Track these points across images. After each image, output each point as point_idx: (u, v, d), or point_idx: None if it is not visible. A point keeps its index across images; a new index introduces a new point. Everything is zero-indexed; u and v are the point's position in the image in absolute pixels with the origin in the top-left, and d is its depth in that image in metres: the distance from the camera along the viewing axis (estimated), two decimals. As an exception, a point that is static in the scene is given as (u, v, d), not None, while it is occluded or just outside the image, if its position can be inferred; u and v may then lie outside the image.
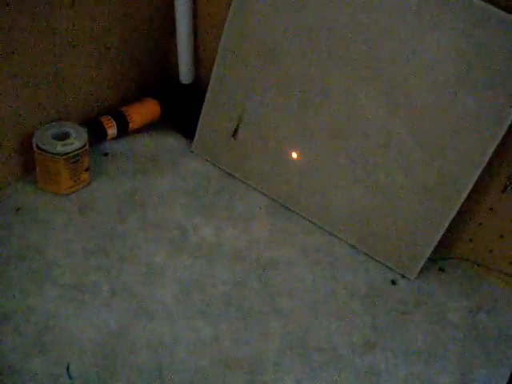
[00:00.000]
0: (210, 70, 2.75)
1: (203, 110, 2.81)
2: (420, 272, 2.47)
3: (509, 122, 2.14)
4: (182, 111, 3.06)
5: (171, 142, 2.98)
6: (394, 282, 2.45)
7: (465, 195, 2.29)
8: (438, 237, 2.39)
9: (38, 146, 2.49)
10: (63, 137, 2.55)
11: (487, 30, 2.08)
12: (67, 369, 1.98)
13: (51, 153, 2.48)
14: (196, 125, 2.86)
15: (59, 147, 2.48)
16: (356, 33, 2.32)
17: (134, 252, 2.40)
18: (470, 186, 2.28)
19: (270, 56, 2.54)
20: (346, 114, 2.43)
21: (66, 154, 2.48)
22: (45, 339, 2.05)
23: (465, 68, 2.15)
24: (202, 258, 2.42)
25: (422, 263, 2.45)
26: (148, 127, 3.01)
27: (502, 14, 2.06)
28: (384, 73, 2.30)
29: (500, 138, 2.17)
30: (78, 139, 2.53)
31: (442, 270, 2.54)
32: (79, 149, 2.52)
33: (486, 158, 2.21)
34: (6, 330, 2.06)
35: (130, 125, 2.91)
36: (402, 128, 2.32)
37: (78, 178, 2.58)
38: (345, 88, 2.40)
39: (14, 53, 2.35)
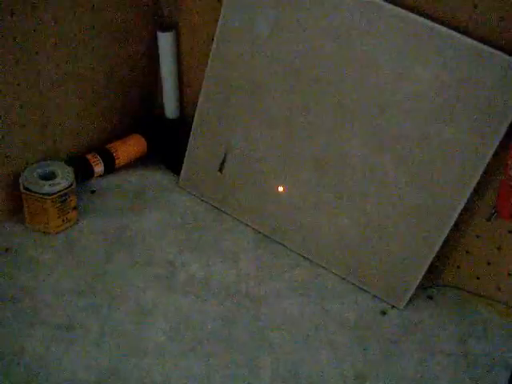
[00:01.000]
0: (196, 105, 2.76)
1: (189, 145, 2.82)
2: (409, 301, 2.48)
3: (492, 152, 2.16)
4: (168, 146, 3.08)
5: (158, 177, 2.99)
6: (383, 313, 2.46)
7: (451, 224, 2.31)
8: (426, 266, 2.40)
9: (24, 187, 2.50)
10: (50, 176, 2.56)
11: (470, 63, 2.11)
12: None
13: (38, 193, 2.49)
14: (183, 160, 2.87)
15: (46, 187, 2.50)
16: (339, 67, 2.34)
17: (124, 290, 2.40)
18: (456, 215, 2.29)
19: (254, 92, 2.56)
20: (330, 147, 2.45)
21: (53, 193, 2.49)
22: (35, 382, 2.04)
23: (448, 100, 2.18)
24: (191, 294, 2.42)
25: (410, 293, 2.45)
26: (135, 163, 3.03)
27: (485, 48, 2.09)
28: (368, 106, 2.32)
29: (483, 168, 2.19)
30: (64, 179, 2.55)
31: (430, 297, 2.55)
32: (66, 188, 2.53)
33: (471, 188, 2.23)
34: (-5, 374, 2.06)
35: (117, 161, 2.92)
36: (387, 160, 2.34)
37: (66, 217, 2.59)
38: (329, 122, 2.42)
39: (-1, 95, 2.38)
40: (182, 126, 3.03)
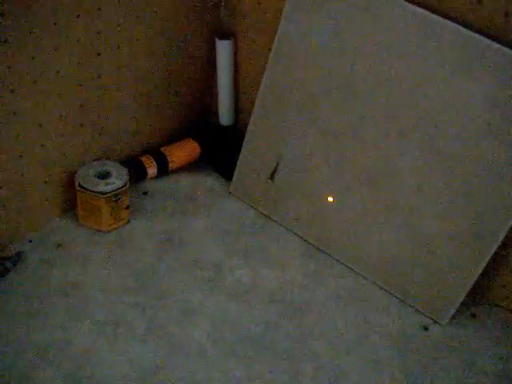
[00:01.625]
0: (250, 114, 2.79)
1: (241, 153, 2.85)
2: (452, 317, 2.47)
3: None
4: (221, 153, 3.11)
5: (210, 182, 3.02)
6: (425, 328, 2.45)
7: (499, 242, 2.30)
8: (471, 283, 2.39)
9: (80, 185, 2.56)
10: (105, 176, 2.62)
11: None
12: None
13: (93, 191, 2.54)
14: (234, 166, 2.91)
15: (101, 186, 2.55)
16: (393, 81, 2.36)
17: (170, 290, 2.44)
18: (504, 233, 2.28)
19: (308, 103, 2.58)
20: (382, 161, 2.46)
21: (108, 192, 2.55)
22: (81, 373, 2.10)
23: (501, 118, 2.17)
24: (236, 298, 2.45)
25: (454, 309, 2.44)
26: (188, 167, 3.07)
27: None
28: (420, 121, 2.33)
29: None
30: (119, 178, 2.60)
31: (473, 315, 2.53)
32: (120, 188, 2.58)
33: (520, 207, 2.24)
34: (43, 363, 2.11)
35: (170, 165, 2.97)
36: (437, 174, 2.34)
37: (118, 216, 2.64)
38: (382, 135, 2.43)
39: (59, 95, 2.44)
40: (236, 133, 3.08)
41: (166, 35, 2.77)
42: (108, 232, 2.64)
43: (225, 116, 3.09)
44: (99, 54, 2.52)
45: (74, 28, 2.37)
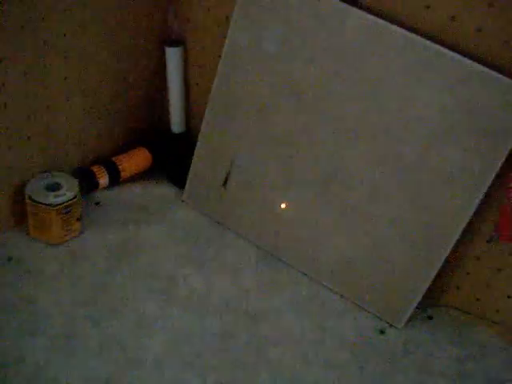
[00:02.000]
0: (201, 121, 2.78)
1: (193, 160, 2.84)
2: (408, 320, 2.48)
3: (493, 175, 2.17)
4: (173, 160, 3.09)
5: (162, 191, 3.00)
6: (382, 331, 2.45)
7: (451, 245, 2.31)
8: (426, 286, 2.40)
9: (30, 197, 2.52)
10: (55, 188, 2.58)
11: (472, 86, 2.13)
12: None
13: (43, 204, 2.51)
14: (187, 174, 2.89)
15: (51, 198, 2.51)
16: (344, 88, 2.36)
17: (124, 302, 2.41)
18: (457, 236, 2.30)
19: (259, 110, 2.58)
20: (334, 166, 2.46)
21: (58, 204, 2.51)
22: (34, 391, 2.06)
23: (450, 123, 2.19)
24: (191, 308, 2.43)
25: (409, 312, 2.45)
26: (140, 176, 3.04)
27: (487, 71, 2.10)
28: (371, 127, 2.34)
29: (485, 191, 2.20)
30: (69, 190, 2.56)
31: (430, 318, 2.55)
32: (71, 200, 2.55)
33: (472, 209, 2.24)
34: (-5, 382, 2.08)
35: (122, 174, 2.94)
36: (389, 180, 2.35)
37: (70, 228, 2.61)
38: (333, 141, 2.43)
39: (5, 106, 2.40)
40: (188, 140, 3.05)
41: (115, 44, 2.74)
42: (60, 244, 2.60)
43: (176, 124, 3.07)
44: (45, 66, 2.48)
45: (19, 39, 2.33)
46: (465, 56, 2.14)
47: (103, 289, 2.45)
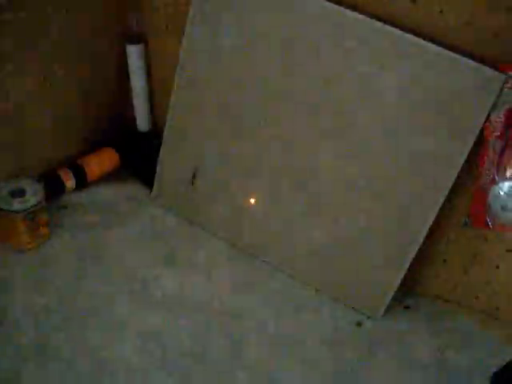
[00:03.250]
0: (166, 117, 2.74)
1: (160, 159, 2.79)
2: (386, 311, 2.46)
3: (463, 160, 2.14)
4: (140, 159, 3.05)
5: (131, 191, 2.96)
6: (359, 324, 2.43)
7: (425, 233, 2.29)
8: (402, 275, 2.38)
9: (-7, 204, 2.47)
10: (19, 193, 2.52)
11: (438, 71, 2.09)
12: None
13: (7, 210, 2.45)
14: (155, 173, 2.85)
15: (15, 204, 2.46)
16: (306, 77, 2.32)
17: (95, 307, 2.36)
18: (430, 224, 2.28)
19: (223, 105, 2.54)
20: (301, 159, 2.43)
21: (22, 210, 2.46)
22: (4, 405, 2.02)
23: (416, 109, 2.16)
24: (163, 309, 2.39)
25: (386, 303, 2.44)
26: (107, 177, 2.99)
27: (452, 55, 2.07)
28: (336, 116, 2.31)
29: (455, 176, 2.18)
30: (34, 195, 2.51)
31: (407, 307, 2.53)
32: (36, 205, 2.49)
33: (444, 196, 2.22)
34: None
35: (89, 176, 2.89)
36: (357, 171, 2.32)
37: (37, 234, 2.55)
38: (299, 133, 2.40)
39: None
40: (154, 139, 3.00)
41: (72, 44, 2.68)
42: (27, 251, 2.55)
43: (142, 122, 3.03)
44: (3, 68, 2.43)
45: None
46: (429, 40, 2.10)
47: (74, 295, 2.40)
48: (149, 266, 2.56)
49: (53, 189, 2.77)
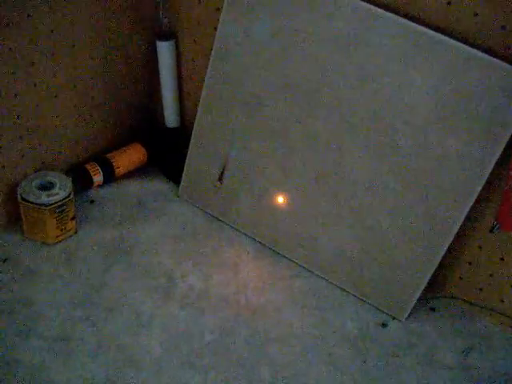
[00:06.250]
0: (196, 114, 2.74)
1: (188, 155, 2.80)
2: (411, 312, 2.45)
3: (494, 163, 2.13)
4: (168, 155, 3.06)
5: (158, 186, 2.97)
6: (384, 325, 2.43)
7: (453, 235, 2.28)
8: (428, 277, 2.37)
9: (22, 197, 2.49)
10: (48, 187, 2.55)
11: (470, 73, 2.08)
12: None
13: (36, 203, 2.48)
14: (182, 169, 2.85)
15: (44, 198, 2.48)
16: (337, 77, 2.32)
17: (121, 301, 2.38)
18: (458, 226, 2.26)
19: (253, 102, 2.54)
20: (330, 158, 2.43)
21: (51, 204, 2.48)
22: (30, 394, 2.04)
23: (448, 110, 2.15)
24: (189, 305, 2.40)
25: (412, 304, 2.42)
26: (135, 172, 3.01)
27: (486, 57, 2.06)
28: (367, 116, 2.30)
29: (485, 179, 2.16)
30: (62, 189, 2.53)
31: (432, 309, 2.52)
32: (64, 199, 2.52)
33: (473, 198, 2.21)
34: (-10, 385, 2.05)
35: (117, 171, 2.91)
36: (387, 171, 2.31)
37: (65, 228, 2.57)
38: (329, 132, 2.40)
39: (-6, 106, 2.37)
40: (182, 135, 3.02)
41: (104, 39, 2.71)
42: (55, 244, 2.57)
43: (170, 118, 3.04)
44: (33, 64, 2.45)
45: (5, 37, 2.30)
46: (462, 42, 2.10)
47: (100, 288, 2.42)
48: (175, 262, 2.57)
49: (81, 183, 2.80)
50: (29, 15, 2.35)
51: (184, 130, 3.05)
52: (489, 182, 2.20)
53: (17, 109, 2.46)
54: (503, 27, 2.07)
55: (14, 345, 2.17)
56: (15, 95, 2.43)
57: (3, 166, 2.50)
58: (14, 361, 2.12)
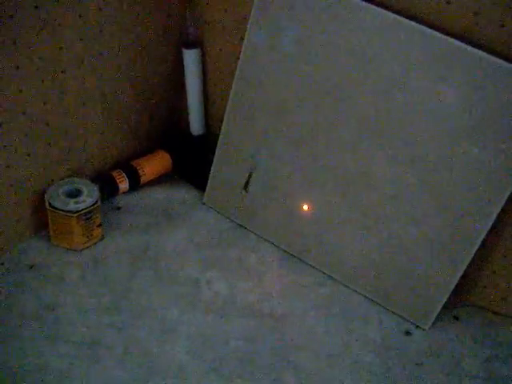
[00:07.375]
0: (221, 121, 2.76)
1: (214, 163, 2.82)
2: (434, 321, 2.45)
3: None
4: (193, 163, 3.08)
5: (183, 194, 2.99)
6: (408, 333, 2.43)
7: (478, 244, 2.28)
8: (452, 286, 2.37)
9: (50, 204, 2.51)
10: (75, 194, 2.57)
11: (496, 82, 2.09)
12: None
13: (63, 210, 2.50)
14: (208, 177, 2.87)
15: (71, 205, 2.50)
16: (365, 86, 2.33)
17: (147, 308, 2.40)
18: (483, 235, 2.26)
19: (279, 110, 2.56)
20: (356, 166, 2.44)
21: (79, 211, 2.50)
22: (58, 399, 2.06)
23: (474, 120, 2.15)
24: (214, 312, 2.41)
25: (436, 313, 2.42)
26: (160, 179, 3.03)
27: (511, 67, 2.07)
28: (393, 125, 2.31)
29: (511, 189, 2.17)
30: (89, 196, 2.55)
31: (456, 318, 2.52)
32: (91, 206, 2.54)
33: (498, 208, 2.20)
34: (20, 390, 2.07)
35: (142, 178, 2.93)
36: (412, 180, 2.32)
37: (91, 234, 2.60)
38: (355, 141, 2.41)
39: (24, 113, 2.39)
40: (208, 142, 3.03)
41: (131, 47, 2.73)
42: (81, 251, 2.59)
43: (196, 126, 3.05)
44: (62, 72, 2.47)
45: (34, 45, 2.32)
46: (489, 52, 2.10)
47: (126, 295, 2.44)
48: (201, 269, 2.59)
49: (107, 190, 2.82)
50: (59, 24, 2.37)
51: (209, 138, 3.07)
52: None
53: (45, 116, 2.48)
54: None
55: (42, 350, 2.19)
56: (44, 103, 2.45)
57: (31, 174, 2.52)
58: (42, 365, 2.14)
